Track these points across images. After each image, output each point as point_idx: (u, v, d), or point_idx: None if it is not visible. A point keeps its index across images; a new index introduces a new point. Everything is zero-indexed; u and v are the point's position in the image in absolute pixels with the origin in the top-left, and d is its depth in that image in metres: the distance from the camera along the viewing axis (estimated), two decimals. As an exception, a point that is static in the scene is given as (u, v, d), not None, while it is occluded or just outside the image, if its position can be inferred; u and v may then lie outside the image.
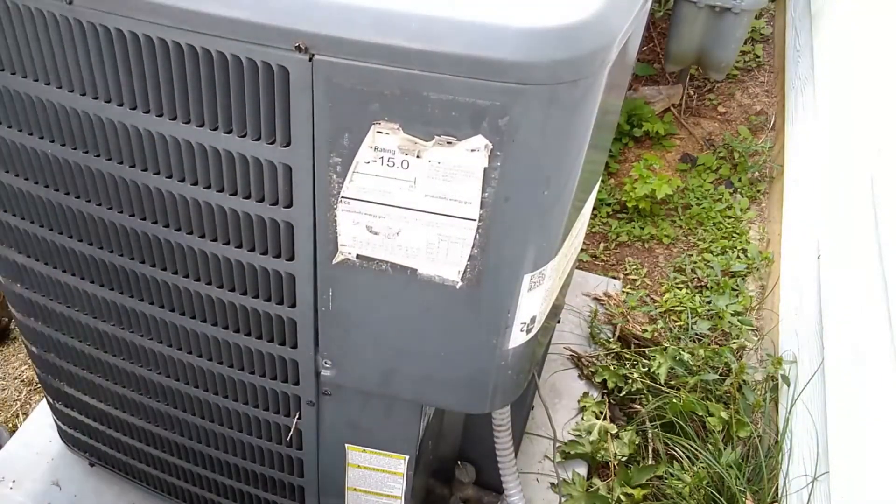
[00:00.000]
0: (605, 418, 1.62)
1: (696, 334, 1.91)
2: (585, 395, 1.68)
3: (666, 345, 1.80)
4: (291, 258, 0.81)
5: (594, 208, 2.27)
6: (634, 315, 1.97)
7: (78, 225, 0.92)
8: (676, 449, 1.58)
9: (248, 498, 1.21)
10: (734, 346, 1.87)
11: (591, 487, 1.51)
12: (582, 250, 2.17)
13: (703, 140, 2.58)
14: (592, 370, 1.72)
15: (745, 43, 2.86)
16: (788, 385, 1.65)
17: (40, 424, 1.50)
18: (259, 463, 1.12)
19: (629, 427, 1.62)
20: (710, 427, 1.59)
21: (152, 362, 1.05)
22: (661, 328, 1.92)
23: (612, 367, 1.72)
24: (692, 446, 1.55)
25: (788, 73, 2.57)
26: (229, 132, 0.73)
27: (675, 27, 2.35)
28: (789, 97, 2.46)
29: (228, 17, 0.66)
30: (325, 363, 0.91)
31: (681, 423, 1.59)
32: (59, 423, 1.36)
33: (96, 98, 0.77)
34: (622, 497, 1.49)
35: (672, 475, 1.52)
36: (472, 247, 0.75)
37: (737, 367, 1.69)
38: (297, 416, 1.00)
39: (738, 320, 1.94)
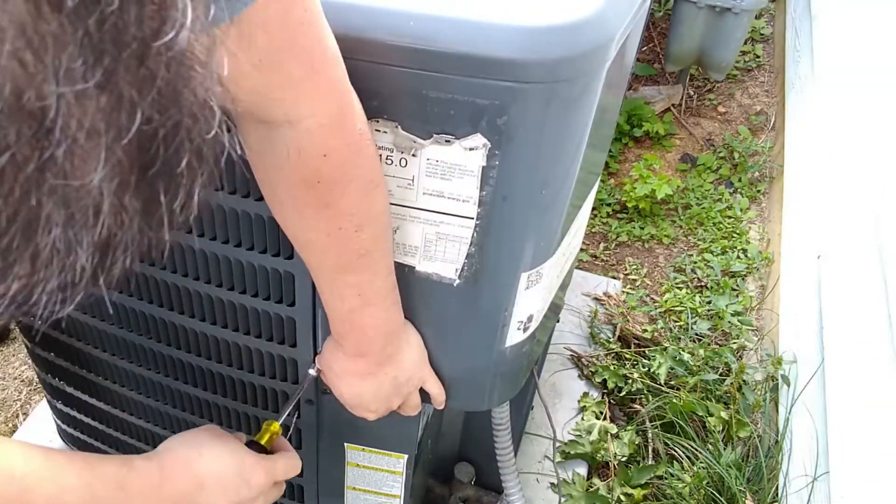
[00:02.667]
0: (605, 418, 1.62)
1: (696, 334, 1.91)
2: (585, 395, 1.68)
3: (666, 345, 1.80)
4: (290, 256, 0.81)
5: (594, 208, 2.28)
6: (634, 315, 1.97)
7: (77, 224, 0.92)
8: (676, 449, 1.58)
9: (248, 497, 1.21)
10: (734, 346, 1.87)
11: (591, 487, 1.51)
12: (582, 250, 2.17)
13: (703, 140, 2.58)
14: (592, 370, 1.72)
15: (745, 43, 2.86)
16: (788, 385, 1.65)
17: (40, 424, 1.50)
18: (258, 462, 1.12)
19: (629, 427, 1.62)
20: (710, 427, 1.59)
21: (152, 362, 1.05)
22: (661, 328, 1.92)
23: (612, 367, 1.72)
24: (692, 446, 1.55)
25: (788, 73, 2.57)
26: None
27: (675, 27, 2.36)
28: (789, 97, 2.46)
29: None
30: (324, 362, 0.91)
31: (681, 423, 1.59)
32: (59, 422, 1.36)
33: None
34: (622, 497, 1.49)
35: (672, 475, 1.52)
36: (470, 245, 0.75)
37: (737, 367, 1.69)
38: (296, 416, 1.00)
39: (738, 320, 1.94)
